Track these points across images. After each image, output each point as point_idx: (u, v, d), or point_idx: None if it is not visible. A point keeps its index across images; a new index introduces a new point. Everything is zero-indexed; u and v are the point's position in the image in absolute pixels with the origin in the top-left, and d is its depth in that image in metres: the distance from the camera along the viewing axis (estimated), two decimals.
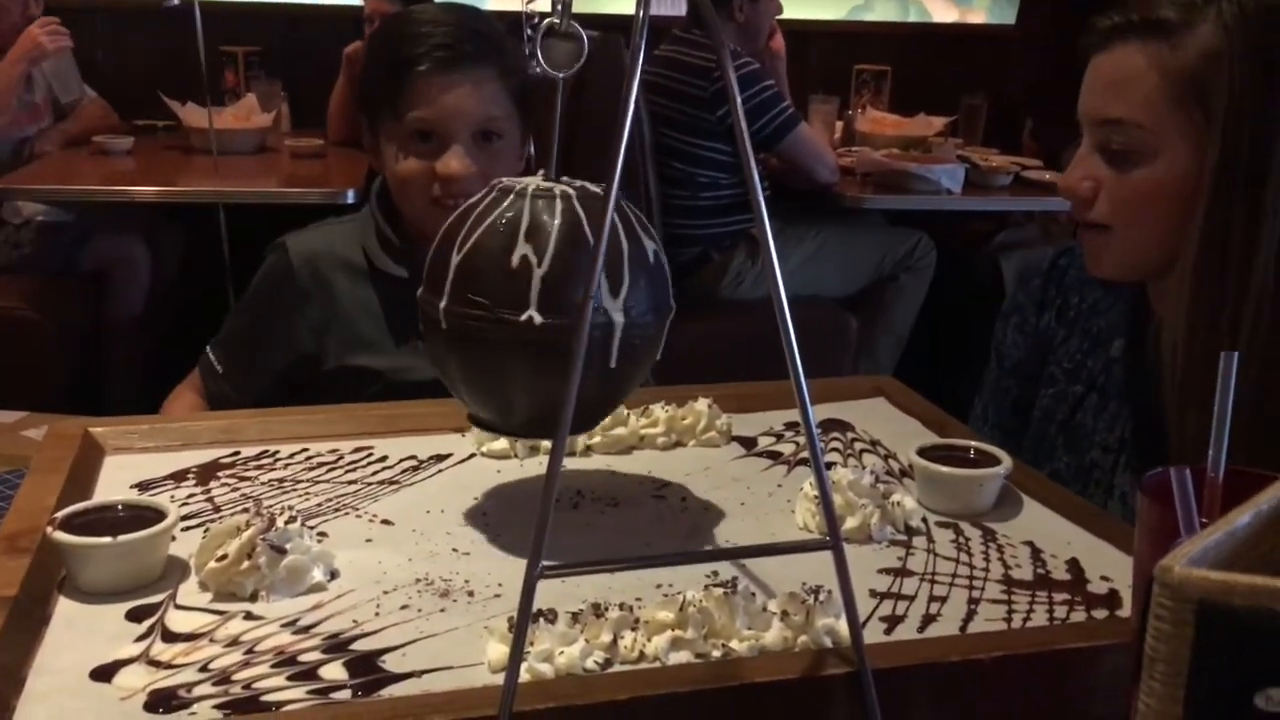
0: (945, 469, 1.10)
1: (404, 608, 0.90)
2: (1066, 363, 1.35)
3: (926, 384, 1.47)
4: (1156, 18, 1.14)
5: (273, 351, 1.56)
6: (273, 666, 0.81)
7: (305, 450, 1.22)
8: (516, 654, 0.69)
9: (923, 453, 1.13)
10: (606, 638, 0.82)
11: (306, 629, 0.86)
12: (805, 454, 1.26)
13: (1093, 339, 1.33)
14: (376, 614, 0.89)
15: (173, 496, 1.10)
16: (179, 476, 1.15)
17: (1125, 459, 1.27)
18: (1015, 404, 1.42)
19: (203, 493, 1.11)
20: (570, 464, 1.21)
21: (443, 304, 0.94)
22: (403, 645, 0.84)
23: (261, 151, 3.43)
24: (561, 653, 0.80)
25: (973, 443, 1.16)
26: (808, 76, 3.98)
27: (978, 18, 4.71)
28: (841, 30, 4.47)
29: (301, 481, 1.15)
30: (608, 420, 1.24)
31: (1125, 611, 0.92)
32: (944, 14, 4.67)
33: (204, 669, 0.80)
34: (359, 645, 0.84)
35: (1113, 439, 1.28)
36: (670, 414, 1.28)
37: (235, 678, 0.79)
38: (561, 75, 0.96)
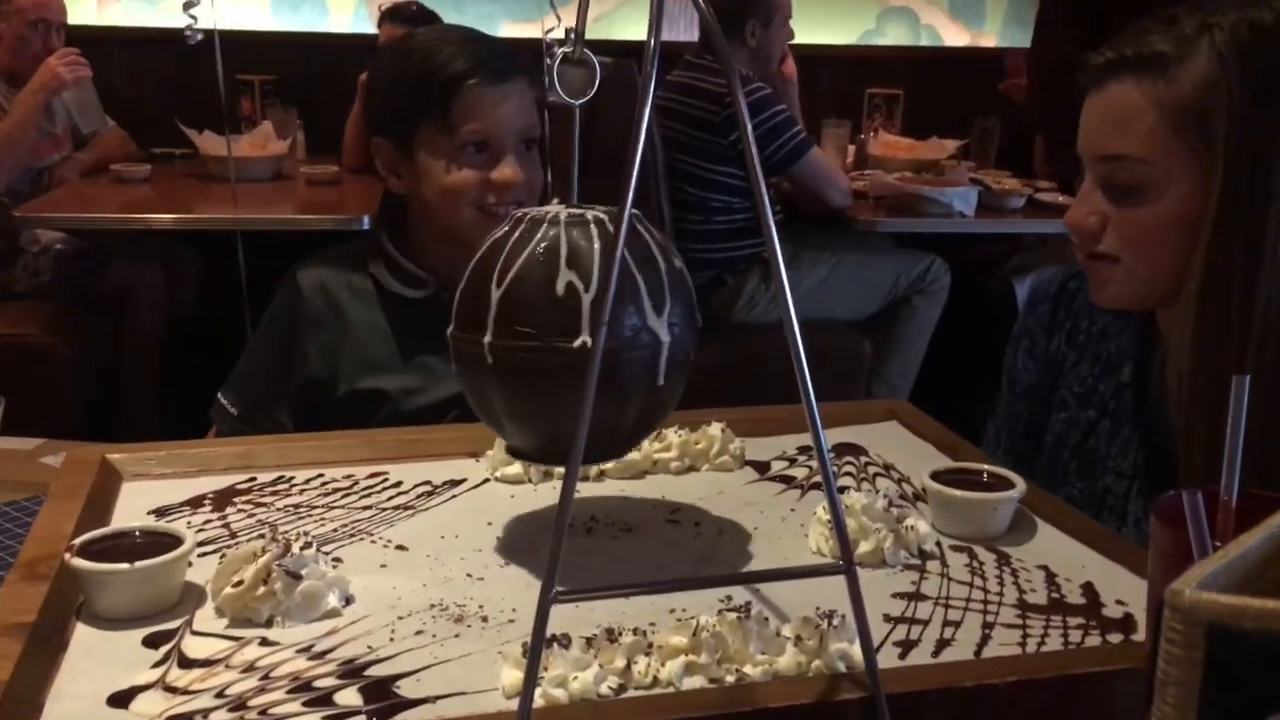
0: (959, 493, 1.10)
1: (419, 633, 0.90)
2: (1078, 387, 1.35)
3: (940, 407, 1.47)
4: (1150, 52, 1.14)
5: (288, 379, 1.57)
6: (288, 692, 0.81)
7: (320, 476, 1.23)
8: (531, 679, 0.69)
9: (936, 476, 1.13)
10: (620, 663, 0.82)
11: (322, 655, 0.86)
12: (818, 478, 1.27)
13: (1103, 363, 1.33)
14: (391, 639, 0.89)
15: (189, 522, 1.11)
16: (195, 502, 1.16)
17: (1138, 485, 1.26)
18: (1028, 429, 1.42)
19: (219, 519, 1.12)
20: (584, 489, 1.21)
21: (487, 339, 0.94)
22: (417, 671, 0.84)
23: (277, 179, 3.46)
24: (575, 678, 0.80)
25: (986, 466, 1.16)
26: (820, 101, 4.00)
27: (989, 41, 4.72)
28: (853, 55, 4.49)
29: (317, 507, 1.15)
30: None
31: (1140, 636, 0.91)
32: (955, 38, 4.69)
33: (220, 695, 0.80)
34: (374, 671, 0.84)
35: (1126, 465, 1.28)
36: (683, 438, 1.28)
37: (251, 704, 0.79)
38: (576, 102, 0.97)
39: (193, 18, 2.11)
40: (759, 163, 0.86)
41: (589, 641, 0.83)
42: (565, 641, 0.82)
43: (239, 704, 0.79)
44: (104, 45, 4.01)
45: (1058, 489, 1.32)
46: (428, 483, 1.22)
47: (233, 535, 1.08)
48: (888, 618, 0.94)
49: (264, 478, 1.22)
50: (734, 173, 3.09)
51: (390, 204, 1.66)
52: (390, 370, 1.55)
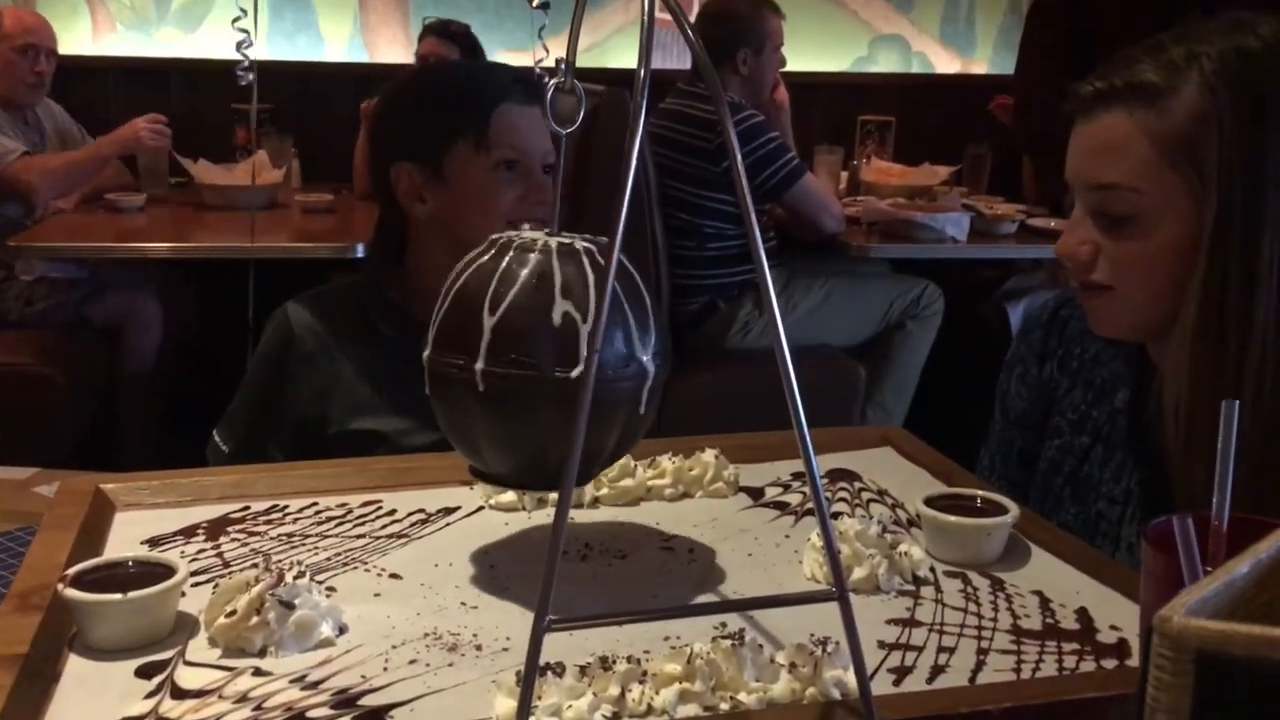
0: (953, 518, 1.10)
1: (412, 662, 0.90)
2: (1071, 414, 1.35)
3: (934, 432, 1.48)
4: (1140, 81, 1.14)
5: (279, 418, 1.57)
6: None
7: (314, 505, 1.23)
8: (524, 709, 0.69)
9: (930, 502, 1.13)
10: (614, 690, 0.82)
11: (315, 684, 0.86)
12: (812, 504, 1.26)
13: (1096, 390, 1.33)
14: (385, 669, 0.89)
15: (183, 552, 1.10)
16: (189, 532, 1.16)
17: (1132, 510, 1.26)
18: (1021, 455, 1.42)
19: (213, 548, 1.12)
20: (578, 516, 1.22)
21: (479, 365, 0.94)
22: (411, 700, 0.84)
23: (273, 207, 3.47)
24: (569, 706, 0.80)
25: (979, 492, 1.16)
26: (812, 127, 4.02)
27: (980, 68, 4.76)
28: (845, 81, 4.51)
29: (310, 536, 1.15)
30: (615, 472, 1.25)
31: (1135, 661, 0.91)
32: (947, 65, 4.73)
33: None
34: (367, 700, 0.84)
35: (1119, 490, 1.28)
36: (677, 465, 1.28)
37: None
38: (565, 131, 0.98)
39: (245, 56, 2.12)
40: (750, 190, 0.87)
41: (583, 670, 0.83)
42: (559, 670, 0.82)
43: None
44: (98, 75, 4.04)
45: (1051, 515, 1.32)
46: (421, 511, 1.22)
47: (226, 565, 1.08)
48: (882, 644, 0.94)
49: (258, 506, 1.22)
50: (727, 199, 3.10)
51: (385, 242, 1.66)
52: (383, 412, 1.55)
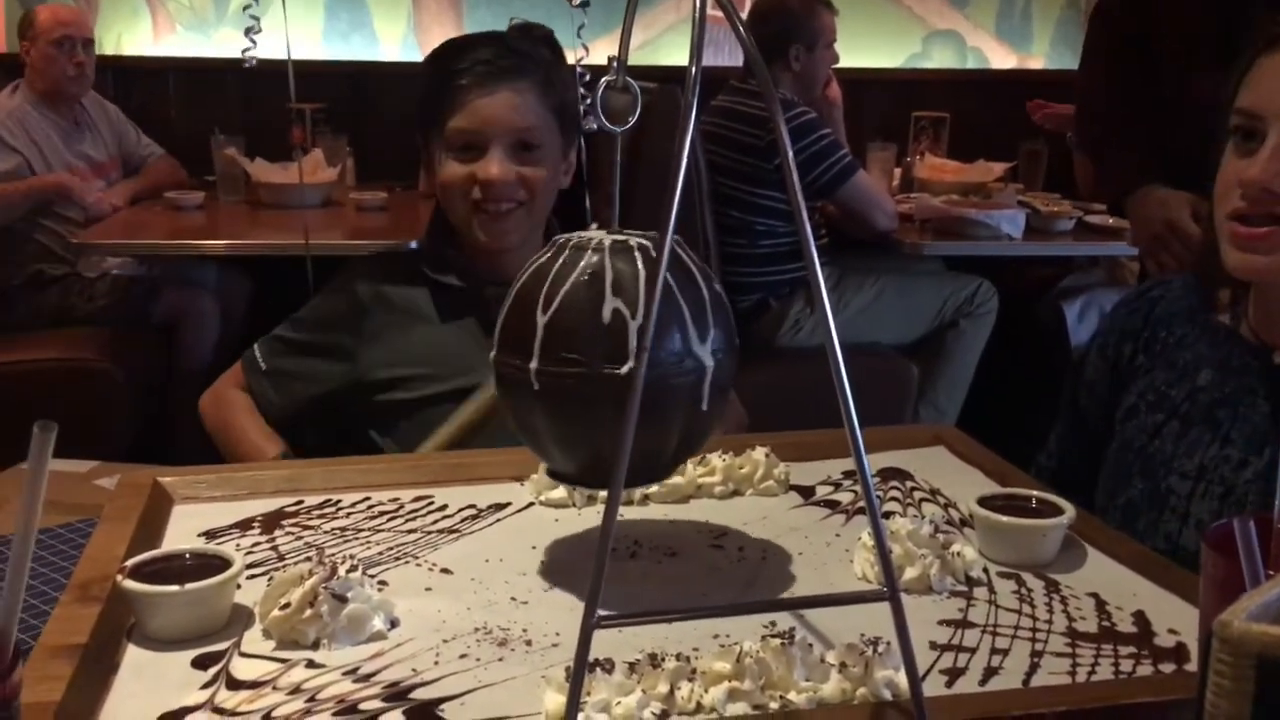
0: (1007, 519, 1.09)
1: (463, 656, 0.91)
2: (1150, 395, 1.33)
3: (988, 431, 1.47)
4: None
5: (320, 360, 1.61)
6: (334, 715, 0.82)
7: (367, 499, 1.24)
8: (574, 704, 0.70)
9: (983, 502, 1.12)
10: (664, 688, 0.81)
11: (367, 677, 0.87)
12: (864, 503, 1.26)
13: (1178, 371, 1.31)
14: (436, 663, 0.89)
15: (238, 545, 1.12)
16: (244, 525, 1.17)
17: (1205, 486, 1.24)
18: (1084, 423, 1.41)
19: (267, 541, 1.13)
20: (628, 513, 1.22)
21: (533, 365, 0.94)
22: (461, 695, 0.85)
23: (327, 205, 3.51)
24: (619, 703, 0.80)
25: (1034, 492, 1.15)
26: (865, 124, 3.98)
27: (1036, 64, 4.69)
28: (899, 78, 4.45)
29: (363, 530, 1.16)
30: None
31: (1193, 665, 0.90)
32: (1002, 60, 4.66)
33: (268, 717, 0.81)
34: (418, 694, 0.85)
35: (1191, 466, 1.26)
36: (727, 463, 1.28)
37: None
38: (619, 130, 0.97)
39: (253, 42, 2.15)
40: (802, 187, 0.87)
41: (632, 667, 0.83)
42: (609, 666, 0.82)
43: None
44: (159, 74, 4.09)
45: (1119, 493, 1.31)
46: (472, 506, 1.22)
47: (280, 558, 1.09)
48: (934, 645, 0.93)
49: (311, 500, 1.24)
50: (778, 197, 3.09)
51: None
52: (425, 359, 1.58)
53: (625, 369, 0.92)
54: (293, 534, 1.15)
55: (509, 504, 1.23)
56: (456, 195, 1.58)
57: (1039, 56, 4.71)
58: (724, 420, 1.62)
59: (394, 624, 0.96)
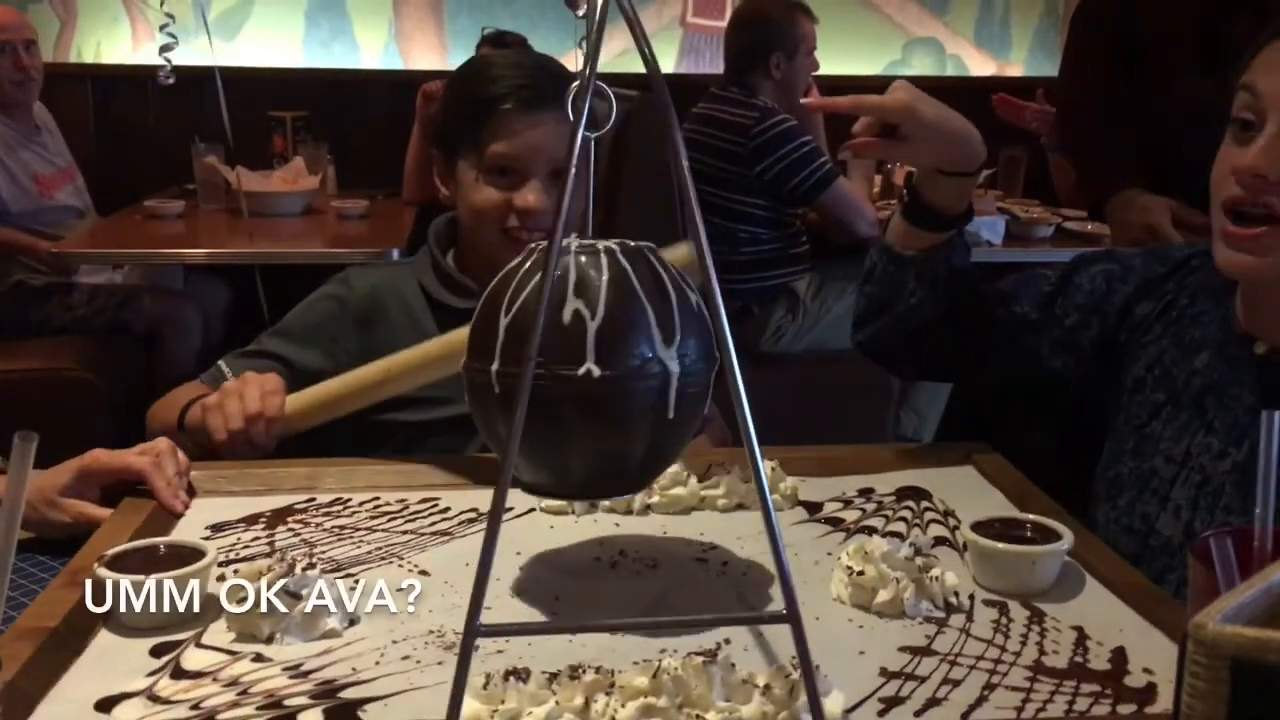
0: (996, 545, 1.04)
1: (405, 658, 0.92)
2: (1157, 369, 1.27)
3: (969, 435, 1.44)
4: None
5: (305, 366, 1.53)
6: (258, 709, 0.83)
7: (375, 499, 1.27)
8: (454, 714, 0.69)
9: (977, 527, 1.07)
10: (579, 700, 0.81)
11: (306, 674, 0.89)
12: (869, 520, 1.22)
13: (1183, 348, 1.26)
14: (377, 663, 0.91)
15: (239, 538, 1.16)
16: (252, 520, 1.21)
17: (1186, 473, 1.19)
18: (1047, 298, 1.36)
19: (266, 537, 1.17)
20: (625, 523, 1.21)
21: (494, 367, 0.95)
22: (388, 696, 0.86)
23: (308, 213, 3.49)
24: (530, 713, 0.79)
25: (1031, 517, 1.10)
26: (845, 131, 3.89)
27: (1015, 71, 4.59)
28: (878, 85, 4.29)
29: (360, 529, 1.19)
30: (667, 480, 1.24)
31: (1159, 708, 0.85)
32: (981, 68, 4.59)
33: (195, 707, 0.84)
34: (348, 694, 0.86)
35: (1178, 450, 1.21)
36: (732, 476, 1.26)
37: (220, 718, 0.82)
38: (594, 135, 0.97)
39: (167, 60, 2.19)
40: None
41: (552, 677, 0.83)
42: (524, 675, 0.82)
43: (208, 717, 0.82)
44: (139, 82, 4.12)
45: (1110, 467, 1.27)
46: (474, 510, 1.23)
47: (272, 553, 1.12)
48: (884, 671, 0.90)
49: (323, 499, 1.27)
50: (760, 204, 3.08)
51: (443, 218, 1.66)
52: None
53: (582, 370, 0.91)
54: (293, 530, 1.19)
55: (511, 509, 1.23)
56: (489, 221, 1.53)
57: (1017, 64, 4.61)
58: (712, 435, 1.60)
59: (353, 622, 0.98)
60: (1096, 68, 2.00)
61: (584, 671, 0.83)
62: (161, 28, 2.20)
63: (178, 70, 3.26)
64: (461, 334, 1.23)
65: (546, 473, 0.99)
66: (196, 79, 4.02)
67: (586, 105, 0.75)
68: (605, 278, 0.94)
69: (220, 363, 1.57)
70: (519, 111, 1.51)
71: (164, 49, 2.22)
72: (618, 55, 3.45)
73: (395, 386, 1.39)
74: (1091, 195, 2.19)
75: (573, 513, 1.23)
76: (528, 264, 0.98)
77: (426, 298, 1.59)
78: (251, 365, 1.50)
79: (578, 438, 0.95)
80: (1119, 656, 0.92)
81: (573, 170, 0.74)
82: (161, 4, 2.22)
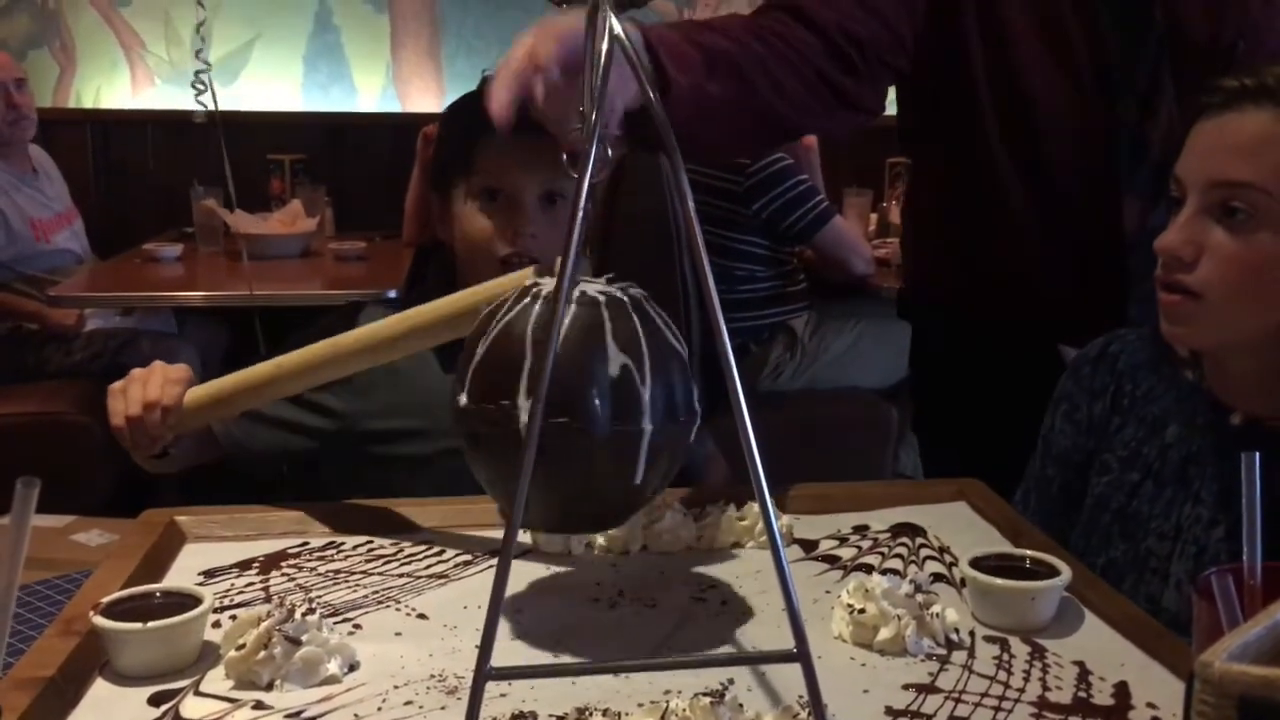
0: (995, 580, 1.05)
1: (408, 703, 0.91)
2: (1121, 450, 1.29)
3: (970, 473, 1.43)
4: None
5: (304, 409, 1.50)
6: None
7: (370, 543, 1.26)
8: None
9: (976, 563, 1.08)
10: None
11: None
12: (865, 558, 1.22)
13: (1148, 426, 1.28)
14: (379, 709, 0.90)
15: (233, 584, 1.15)
16: (245, 565, 1.20)
17: (1181, 546, 1.20)
18: (1061, 491, 1.37)
19: (261, 582, 1.16)
20: (622, 563, 1.21)
21: (463, 402, 0.96)
22: None
23: (306, 255, 3.50)
24: None
25: (1029, 552, 1.10)
26: (841, 170, 3.96)
27: None
28: (874, 124, 4.35)
29: (356, 573, 1.18)
30: (664, 519, 1.24)
31: None
32: None
33: None
34: None
35: (1168, 526, 1.22)
36: (728, 514, 1.26)
37: None
38: (589, 180, 0.97)
39: (201, 105, 2.23)
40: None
41: None
42: (531, 719, 0.81)
43: None
44: (138, 127, 4.17)
45: (1099, 553, 1.27)
46: (470, 552, 1.23)
47: (268, 598, 1.11)
48: (890, 710, 0.90)
49: (316, 543, 1.26)
50: (757, 242, 3.10)
51: (442, 262, 1.63)
52: (423, 414, 1.50)
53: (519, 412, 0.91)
54: (287, 575, 1.18)
55: None
56: (482, 250, 1.50)
57: None
58: (715, 473, 1.59)
59: (353, 668, 0.97)
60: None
61: (591, 714, 0.82)
62: (197, 73, 2.25)
63: (179, 114, 3.28)
64: (349, 337, 1.25)
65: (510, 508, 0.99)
66: (193, 122, 4.07)
67: (593, 153, 0.75)
68: (580, 323, 0.93)
69: None
70: (510, 137, 1.48)
71: (198, 95, 2.28)
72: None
73: (287, 385, 1.32)
74: None
75: (571, 553, 1.22)
76: (509, 305, 0.98)
77: None
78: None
79: (537, 479, 0.95)
80: (1122, 691, 0.92)
81: (580, 215, 0.75)
82: (198, 54, 2.27)
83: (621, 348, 0.92)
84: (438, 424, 1.45)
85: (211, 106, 2.22)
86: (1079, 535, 1.31)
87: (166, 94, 4.30)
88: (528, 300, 0.96)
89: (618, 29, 0.77)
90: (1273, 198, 1.09)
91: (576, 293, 0.94)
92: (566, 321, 0.92)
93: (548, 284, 0.99)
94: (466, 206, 1.53)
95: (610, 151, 0.96)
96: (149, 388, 1.32)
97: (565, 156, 0.96)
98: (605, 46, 0.75)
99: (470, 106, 1.58)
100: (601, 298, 0.95)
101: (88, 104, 4.25)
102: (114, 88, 4.28)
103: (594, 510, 0.98)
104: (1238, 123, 1.12)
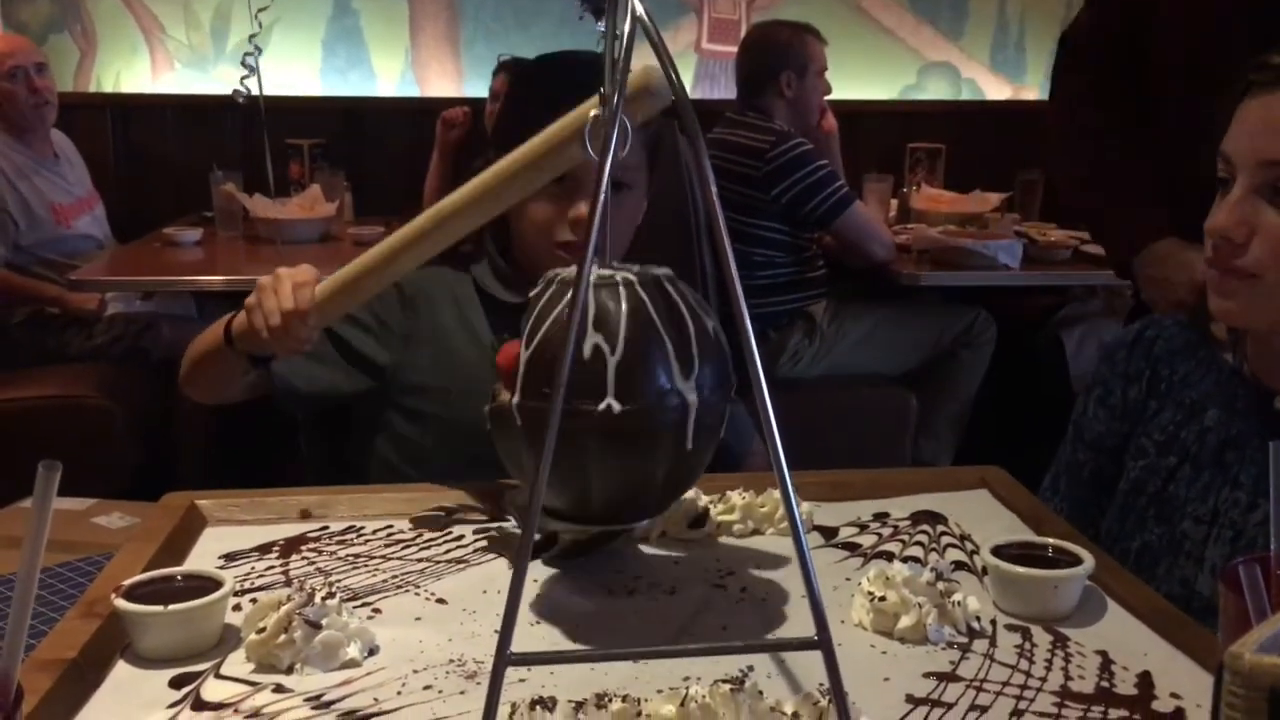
0: (1017, 569, 1.04)
1: (427, 688, 0.91)
2: (1158, 435, 1.29)
3: (989, 460, 1.43)
4: None
5: (367, 335, 1.50)
6: None
7: (389, 527, 1.26)
8: None
9: (998, 551, 1.07)
10: None
11: (328, 704, 0.88)
12: (885, 545, 1.22)
13: (1186, 410, 1.27)
14: (399, 693, 0.90)
15: (253, 568, 1.15)
16: (265, 549, 1.20)
17: (1218, 530, 1.20)
18: (1092, 477, 1.37)
19: (281, 566, 1.16)
20: (640, 549, 1.21)
21: (515, 400, 0.95)
22: None
23: (325, 240, 3.52)
24: None
25: (1052, 540, 1.09)
26: (861, 156, 3.96)
27: (1030, 94, 4.61)
28: (894, 109, 4.43)
29: (375, 558, 1.18)
30: (683, 507, 1.23)
31: None
32: (997, 91, 4.60)
33: None
34: None
35: (1204, 510, 1.22)
36: (747, 501, 1.25)
37: None
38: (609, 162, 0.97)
39: (245, 88, 2.23)
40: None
41: (578, 706, 0.82)
42: (550, 704, 0.81)
43: None
44: (158, 111, 4.18)
45: (1134, 535, 1.27)
46: (488, 536, 1.23)
47: (288, 582, 1.12)
48: (910, 699, 0.89)
49: (335, 527, 1.26)
50: (777, 228, 3.09)
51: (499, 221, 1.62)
52: (465, 367, 1.49)
53: (602, 405, 0.92)
54: (307, 559, 1.18)
55: None
56: (543, 233, 1.46)
57: (1033, 87, 4.64)
58: (755, 466, 1.58)
59: (372, 652, 0.97)
60: (1099, 106, 1.84)
61: (610, 700, 0.82)
62: (245, 54, 2.27)
63: (201, 98, 3.26)
64: (461, 194, 1.19)
65: (567, 500, 0.99)
66: (212, 106, 4.02)
67: (614, 135, 0.74)
68: (624, 310, 0.94)
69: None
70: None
71: (245, 77, 2.29)
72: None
73: (404, 259, 1.27)
74: (1114, 254, 1.87)
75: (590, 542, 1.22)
76: (546, 295, 0.98)
77: (478, 290, 1.55)
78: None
79: (599, 469, 0.95)
80: (1145, 681, 0.92)
81: (601, 199, 0.74)
82: (251, 38, 2.29)
83: (666, 329, 0.92)
84: (472, 387, 1.39)
85: (255, 90, 2.21)
86: (1113, 519, 1.31)
87: (186, 78, 4.31)
88: (567, 290, 0.96)
89: (639, 9, 0.76)
90: None
91: (620, 278, 0.94)
92: (624, 310, 0.93)
93: (566, 271, 0.99)
94: None
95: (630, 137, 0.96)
96: (283, 298, 1.31)
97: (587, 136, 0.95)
98: (627, 28, 0.74)
99: (550, 74, 1.52)
100: (634, 279, 0.95)
101: (108, 88, 4.27)
102: (134, 72, 4.29)
103: (653, 495, 0.98)
104: None
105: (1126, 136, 1.80)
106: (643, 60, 1.04)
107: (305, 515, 1.28)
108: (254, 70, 2.31)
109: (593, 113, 0.96)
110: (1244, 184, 1.13)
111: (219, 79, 4.23)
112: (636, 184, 1.50)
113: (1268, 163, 1.11)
